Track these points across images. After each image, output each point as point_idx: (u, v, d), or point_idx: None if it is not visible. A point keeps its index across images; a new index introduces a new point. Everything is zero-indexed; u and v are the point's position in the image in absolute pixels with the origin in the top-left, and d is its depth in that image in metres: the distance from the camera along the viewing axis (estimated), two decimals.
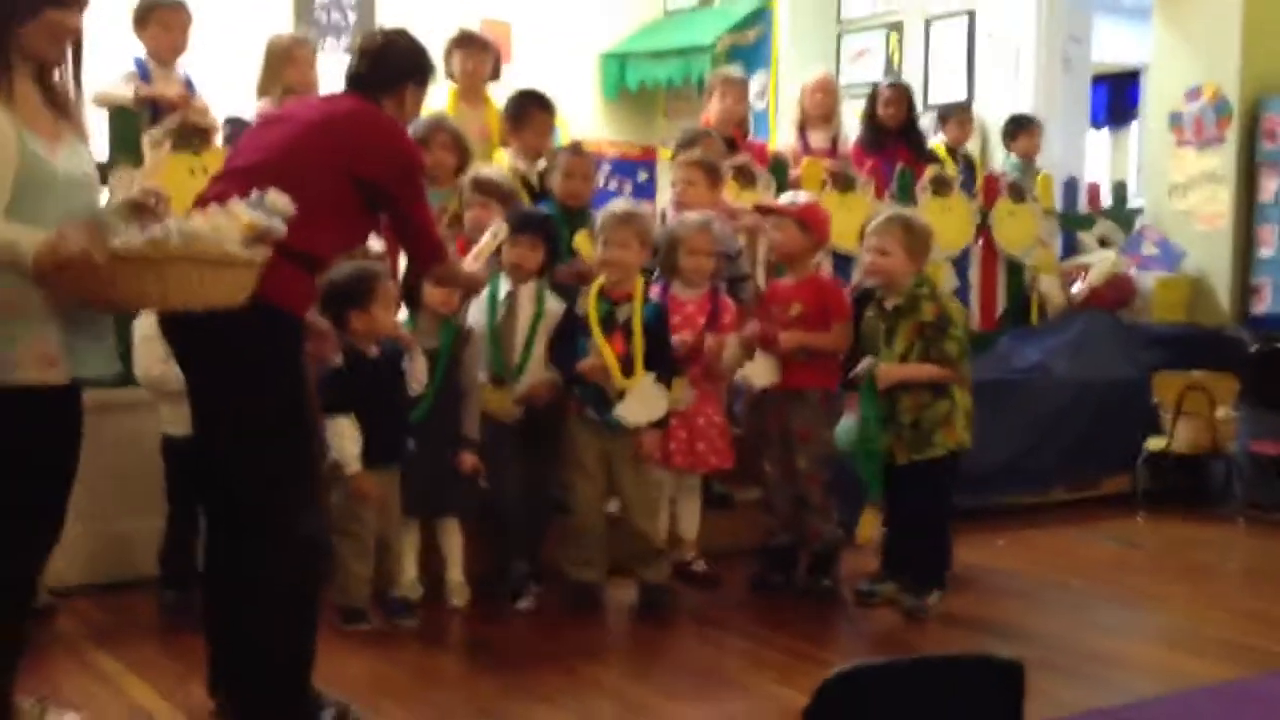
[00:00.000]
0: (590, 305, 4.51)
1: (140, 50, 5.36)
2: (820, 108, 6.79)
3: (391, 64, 3.47)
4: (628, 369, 4.45)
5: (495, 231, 4.11)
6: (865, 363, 4.56)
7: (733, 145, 6.15)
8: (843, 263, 6.15)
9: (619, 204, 4.73)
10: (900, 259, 4.53)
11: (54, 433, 2.99)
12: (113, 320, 3.07)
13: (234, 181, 3.17)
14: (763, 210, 4.97)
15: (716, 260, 4.83)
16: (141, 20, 5.32)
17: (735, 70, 6.76)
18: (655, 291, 4.76)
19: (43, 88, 2.93)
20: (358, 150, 3.28)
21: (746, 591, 4.78)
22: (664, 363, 4.52)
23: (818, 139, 6.77)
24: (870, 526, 4.62)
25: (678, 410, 4.66)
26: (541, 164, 5.28)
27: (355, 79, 3.48)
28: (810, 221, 4.77)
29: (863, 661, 1.90)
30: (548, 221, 4.66)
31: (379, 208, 3.38)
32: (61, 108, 2.96)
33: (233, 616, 3.23)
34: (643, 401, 4.46)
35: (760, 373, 4.75)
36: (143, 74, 5.28)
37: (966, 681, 1.94)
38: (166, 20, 5.30)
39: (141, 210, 3.00)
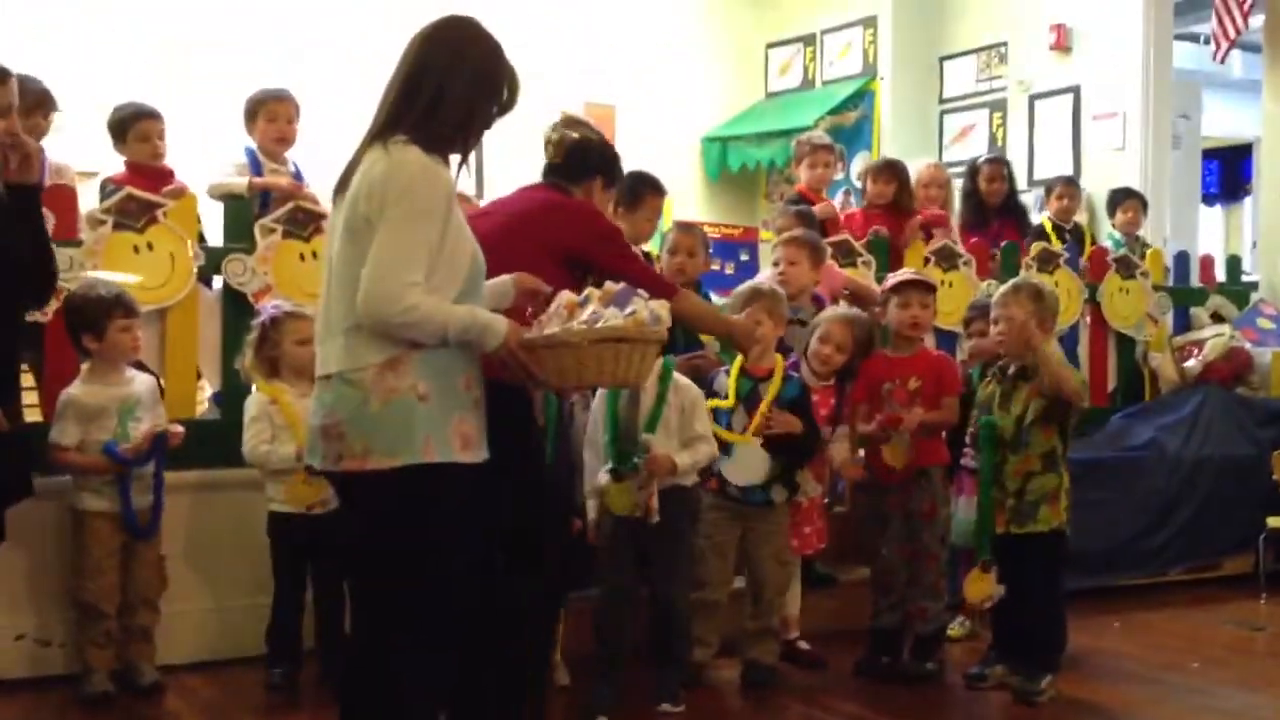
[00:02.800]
0: (731, 381, 4.48)
1: (251, 142, 5.53)
2: (933, 201, 6.73)
3: (582, 159, 3.83)
4: (768, 442, 4.45)
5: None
6: (980, 419, 4.52)
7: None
8: (945, 340, 6.09)
9: (754, 281, 4.74)
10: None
11: (470, 507, 3.01)
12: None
13: None
14: (900, 288, 4.82)
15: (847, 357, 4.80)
16: (250, 114, 5.49)
17: (821, 135, 6.76)
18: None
19: None
20: (559, 229, 3.60)
21: (851, 673, 4.69)
22: (810, 438, 4.52)
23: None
24: (977, 585, 4.48)
25: (801, 502, 4.68)
26: (645, 246, 5.32)
27: (548, 168, 3.86)
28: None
29: None
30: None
31: (594, 274, 3.59)
32: None
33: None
34: (744, 463, 4.44)
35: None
36: (253, 163, 5.44)
37: None
38: (273, 112, 5.46)
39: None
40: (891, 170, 6.51)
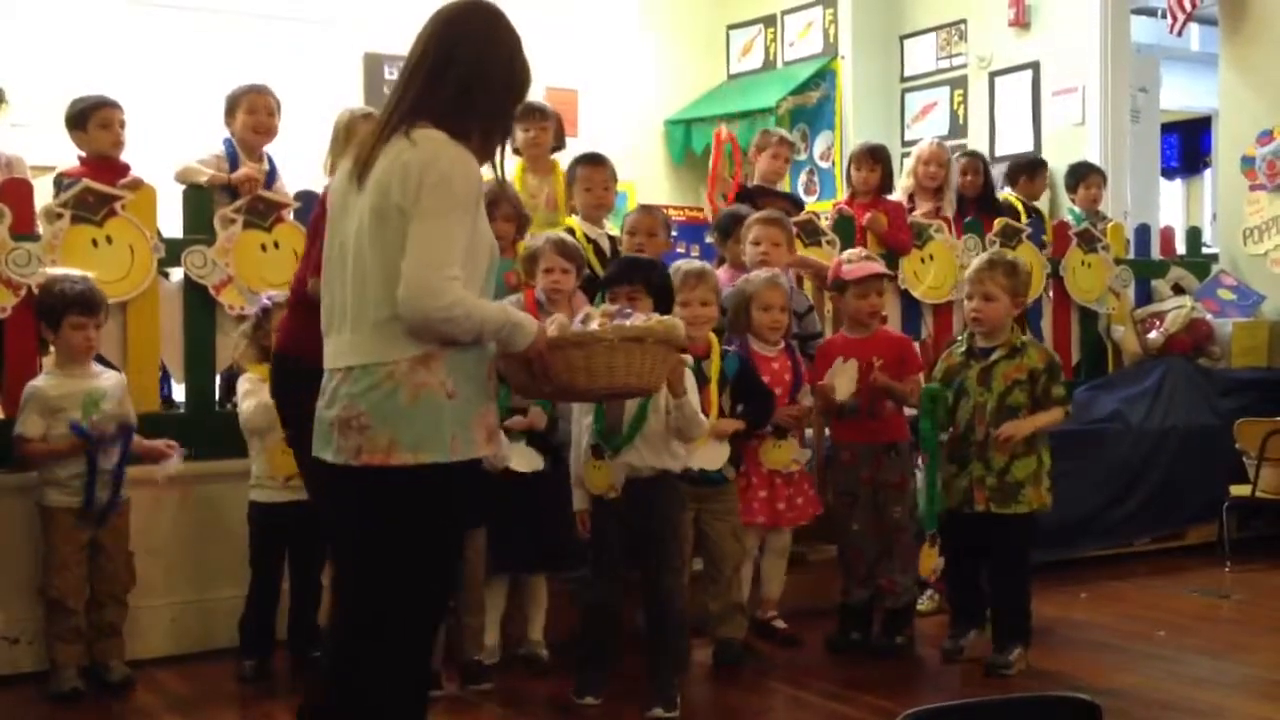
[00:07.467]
0: None
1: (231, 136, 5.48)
2: (933, 179, 6.68)
3: None
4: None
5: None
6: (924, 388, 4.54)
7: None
8: (911, 311, 6.17)
9: (689, 262, 4.71)
10: (1005, 304, 4.50)
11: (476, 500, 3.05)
12: None
13: None
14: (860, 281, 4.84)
15: (789, 316, 4.82)
16: (230, 108, 5.46)
17: (782, 130, 6.78)
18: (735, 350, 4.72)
19: None
20: None
21: (824, 650, 4.72)
22: (765, 405, 4.54)
23: (924, 208, 6.63)
24: (926, 560, 4.55)
25: (791, 470, 4.74)
26: (606, 226, 5.32)
27: None
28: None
29: (934, 704, 1.86)
30: (653, 270, 4.30)
31: None
32: None
33: None
34: (712, 447, 4.44)
35: (843, 384, 4.71)
36: (230, 156, 5.39)
37: None
38: (253, 104, 5.44)
39: None
40: (874, 156, 6.43)
